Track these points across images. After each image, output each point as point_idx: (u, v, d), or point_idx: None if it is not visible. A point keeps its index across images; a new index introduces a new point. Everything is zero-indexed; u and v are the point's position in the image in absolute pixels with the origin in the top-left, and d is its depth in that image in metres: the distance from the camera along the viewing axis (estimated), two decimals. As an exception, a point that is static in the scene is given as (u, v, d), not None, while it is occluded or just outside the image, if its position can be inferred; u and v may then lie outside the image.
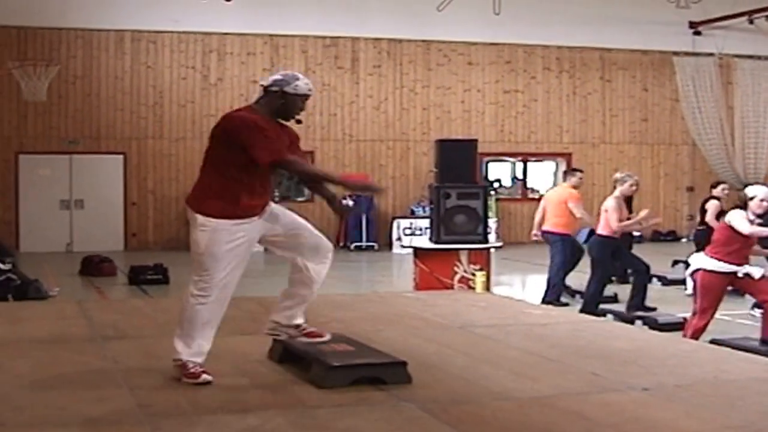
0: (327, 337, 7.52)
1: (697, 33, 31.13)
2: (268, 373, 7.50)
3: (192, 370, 7.02)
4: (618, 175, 14.70)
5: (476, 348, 8.64)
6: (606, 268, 14.65)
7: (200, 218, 7.00)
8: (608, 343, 8.97)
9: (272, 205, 7.29)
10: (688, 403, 6.61)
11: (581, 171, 17.05)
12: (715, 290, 10.98)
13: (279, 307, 7.51)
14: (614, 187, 14.43)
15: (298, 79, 7.15)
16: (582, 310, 13.88)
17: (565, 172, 17.41)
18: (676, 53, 30.39)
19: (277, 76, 7.16)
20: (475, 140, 15.66)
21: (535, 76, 30.36)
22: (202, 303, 7.05)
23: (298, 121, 7.30)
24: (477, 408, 6.44)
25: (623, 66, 31.18)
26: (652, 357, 8.22)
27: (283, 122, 7.24)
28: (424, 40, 29.17)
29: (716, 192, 17.40)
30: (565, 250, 15.84)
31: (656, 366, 7.79)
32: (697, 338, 10.84)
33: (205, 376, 7.01)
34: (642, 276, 14.45)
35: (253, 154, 6.88)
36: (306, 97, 7.18)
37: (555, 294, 15.80)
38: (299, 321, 7.50)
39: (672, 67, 30.49)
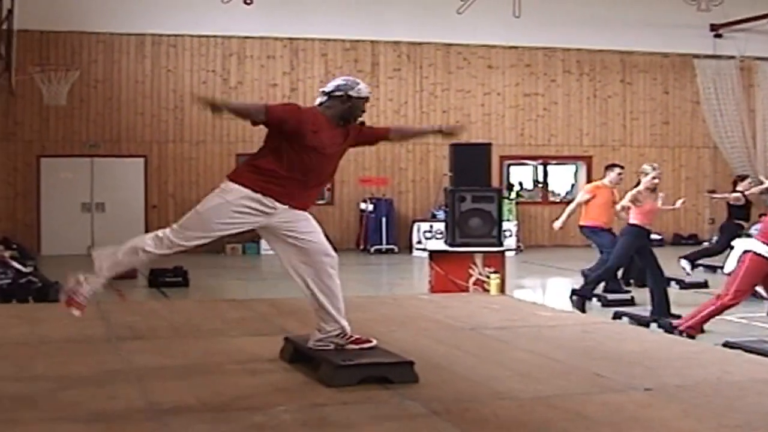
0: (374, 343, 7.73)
1: (718, 35, 31.04)
2: (277, 372, 7.62)
3: (78, 299, 7.35)
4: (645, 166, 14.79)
5: (485, 349, 8.74)
6: (623, 258, 14.78)
7: (229, 184, 7.28)
8: (616, 344, 9.05)
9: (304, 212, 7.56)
10: (688, 403, 6.69)
11: (621, 167, 17.16)
12: (760, 275, 11.25)
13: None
14: (638, 181, 14.60)
15: (359, 83, 7.56)
16: (575, 291, 14.15)
17: (605, 168, 17.56)
18: (696, 56, 30.40)
19: (340, 81, 7.55)
20: (490, 144, 15.69)
21: (555, 79, 30.37)
22: (156, 253, 7.31)
23: (362, 123, 7.67)
24: (479, 407, 6.55)
25: (644, 69, 31.14)
26: (659, 358, 8.31)
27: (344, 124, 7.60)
28: (444, 44, 29.22)
29: (741, 187, 17.53)
30: (602, 242, 16.09)
31: (661, 367, 7.88)
32: (718, 314, 11.08)
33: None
34: (657, 281, 14.42)
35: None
36: (367, 99, 7.61)
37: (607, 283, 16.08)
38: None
39: (693, 70, 30.50)
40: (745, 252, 11.31)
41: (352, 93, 7.45)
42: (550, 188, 31.48)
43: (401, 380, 7.10)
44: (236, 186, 7.24)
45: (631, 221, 14.37)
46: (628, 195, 14.28)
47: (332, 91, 7.47)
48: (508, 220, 27.03)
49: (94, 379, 7.28)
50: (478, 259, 13.77)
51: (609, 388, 7.15)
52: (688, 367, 7.91)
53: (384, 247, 27.31)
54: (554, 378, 7.47)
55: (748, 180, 17.81)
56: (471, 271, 13.70)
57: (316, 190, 7.64)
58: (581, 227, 16.51)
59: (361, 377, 7.07)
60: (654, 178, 14.27)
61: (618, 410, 6.47)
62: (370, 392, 6.86)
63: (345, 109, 7.48)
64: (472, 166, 14.37)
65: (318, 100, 7.54)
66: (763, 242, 11.16)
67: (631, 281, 17.83)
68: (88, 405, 6.50)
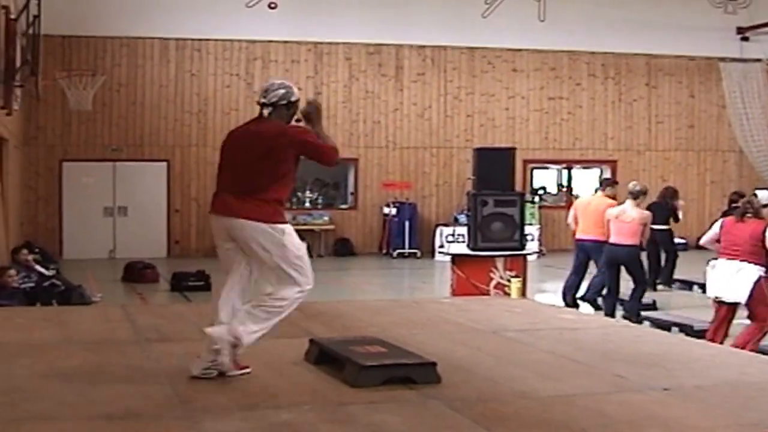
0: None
1: (745, 39, 30.80)
2: (303, 373, 7.77)
3: (241, 364, 7.50)
4: (638, 187, 14.94)
5: (506, 351, 8.87)
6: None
7: (279, 227, 7.41)
8: (636, 346, 9.15)
9: None
10: (705, 402, 6.81)
11: (616, 183, 17.39)
12: None
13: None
14: (635, 197, 14.71)
15: (293, 86, 7.73)
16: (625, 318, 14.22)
17: (602, 182, 17.63)
18: (722, 59, 30.28)
19: (281, 90, 7.63)
20: (513, 148, 15.82)
21: (579, 83, 30.34)
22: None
23: (298, 120, 7.74)
24: (500, 406, 6.69)
25: (669, 72, 31.05)
26: (678, 360, 8.41)
27: None
28: (468, 47, 29.24)
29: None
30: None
31: (680, 368, 7.99)
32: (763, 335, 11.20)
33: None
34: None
35: (325, 157, 7.50)
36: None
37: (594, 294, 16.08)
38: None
39: (719, 73, 30.38)
40: (757, 281, 11.40)
41: (292, 99, 7.62)
42: (574, 192, 31.38)
43: (424, 381, 7.24)
44: (284, 226, 7.45)
45: (630, 242, 14.62)
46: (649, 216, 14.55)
47: (279, 101, 7.55)
48: (530, 224, 27.10)
49: (126, 378, 7.45)
50: (500, 263, 13.86)
51: (628, 388, 7.28)
52: (706, 369, 8.03)
53: (407, 251, 27.37)
54: (575, 378, 7.59)
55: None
56: (492, 274, 13.80)
57: None
58: (591, 241, 16.36)
59: (385, 378, 7.21)
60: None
61: (636, 409, 6.61)
62: (394, 392, 7.00)
63: (290, 115, 7.63)
64: (494, 170, 14.47)
65: (266, 112, 7.60)
66: (763, 265, 11.31)
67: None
68: (122, 404, 6.68)
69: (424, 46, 28.99)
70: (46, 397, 6.83)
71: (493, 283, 13.80)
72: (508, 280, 13.47)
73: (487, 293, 13.69)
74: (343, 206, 28.63)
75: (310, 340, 8.32)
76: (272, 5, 26.27)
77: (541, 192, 31.02)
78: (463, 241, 18.16)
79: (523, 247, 14.32)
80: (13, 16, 16.56)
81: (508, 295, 13.30)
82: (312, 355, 8.13)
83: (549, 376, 7.66)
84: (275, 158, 7.41)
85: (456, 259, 14.52)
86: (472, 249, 14.18)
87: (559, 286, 20.74)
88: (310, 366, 7.97)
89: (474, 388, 7.22)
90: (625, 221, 14.59)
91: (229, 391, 7.03)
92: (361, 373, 7.21)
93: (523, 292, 13.49)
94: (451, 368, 7.67)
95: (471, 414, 6.42)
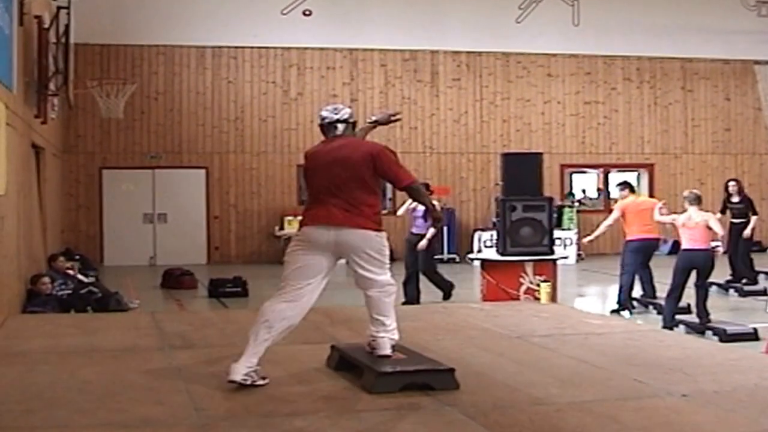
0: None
1: (780, 41, 30.80)
2: (323, 379, 7.78)
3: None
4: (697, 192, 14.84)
5: (528, 356, 8.85)
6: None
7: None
8: (659, 351, 9.10)
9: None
10: (722, 408, 6.76)
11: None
12: None
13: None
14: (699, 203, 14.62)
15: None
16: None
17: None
18: (757, 62, 30.18)
19: (348, 110, 8.09)
20: (540, 153, 15.78)
21: (615, 87, 30.25)
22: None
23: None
24: (515, 412, 6.67)
25: (705, 75, 30.93)
26: (699, 365, 8.35)
27: None
28: (503, 53, 29.23)
29: None
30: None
31: (700, 373, 7.94)
32: None
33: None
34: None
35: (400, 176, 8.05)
36: None
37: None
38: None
39: (754, 76, 30.29)
40: None
41: (355, 118, 8.13)
42: (611, 196, 31.23)
43: (442, 387, 7.24)
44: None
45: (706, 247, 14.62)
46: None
47: (348, 119, 8.02)
48: (569, 229, 27.03)
49: (143, 386, 7.49)
50: (529, 268, 13.86)
51: (646, 393, 7.24)
52: (726, 374, 7.97)
53: (445, 256, 27.32)
54: (593, 384, 7.56)
55: None
56: (522, 279, 13.79)
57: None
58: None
59: (403, 384, 7.21)
60: None
61: (652, 415, 6.57)
62: (411, 399, 7.00)
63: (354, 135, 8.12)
64: (523, 175, 14.45)
65: (340, 126, 7.99)
66: None
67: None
68: (136, 411, 6.72)
69: (459, 52, 28.99)
70: (63, 404, 6.88)
71: (523, 288, 13.79)
72: (538, 285, 13.44)
73: (517, 298, 13.67)
74: (382, 211, 28.59)
75: (331, 346, 8.33)
76: (307, 12, 26.40)
77: (579, 196, 30.90)
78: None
79: (552, 252, 14.28)
80: (45, 26, 16.65)
81: (538, 299, 13.27)
82: (333, 361, 8.15)
83: (568, 381, 7.63)
84: (361, 168, 7.84)
85: (486, 264, 14.53)
86: (502, 254, 14.17)
87: (595, 290, 20.76)
88: (331, 372, 7.99)
89: (491, 395, 7.21)
90: (690, 227, 14.31)
91: (246, 397, 7.05)
92: (378, 380, 7.22)
93: (553, 297, 13.44)
94: (471, 374, 7.68)
95: (485, 421, 6.40)
